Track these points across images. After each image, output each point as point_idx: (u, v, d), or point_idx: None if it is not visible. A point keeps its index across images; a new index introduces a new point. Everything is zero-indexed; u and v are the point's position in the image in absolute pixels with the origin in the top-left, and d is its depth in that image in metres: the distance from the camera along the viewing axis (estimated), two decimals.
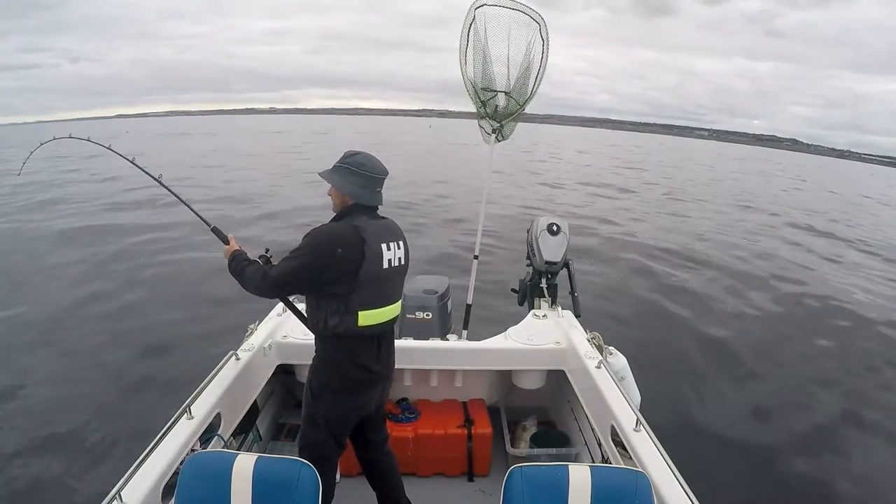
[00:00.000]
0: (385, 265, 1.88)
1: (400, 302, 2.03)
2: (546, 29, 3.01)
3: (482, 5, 2.96)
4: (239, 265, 1.97)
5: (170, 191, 2.40)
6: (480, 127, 3.30)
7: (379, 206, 1.96)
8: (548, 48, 3.03)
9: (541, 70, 3.08)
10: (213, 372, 2.23)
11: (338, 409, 1.95)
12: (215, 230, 2.25)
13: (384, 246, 1.88)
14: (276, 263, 1.99)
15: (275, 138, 47.13)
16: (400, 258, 1.96)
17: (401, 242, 1.97)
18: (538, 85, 3.12)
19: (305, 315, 1.99)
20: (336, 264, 1.78)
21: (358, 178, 1.88)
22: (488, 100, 3.19)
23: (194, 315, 5.83)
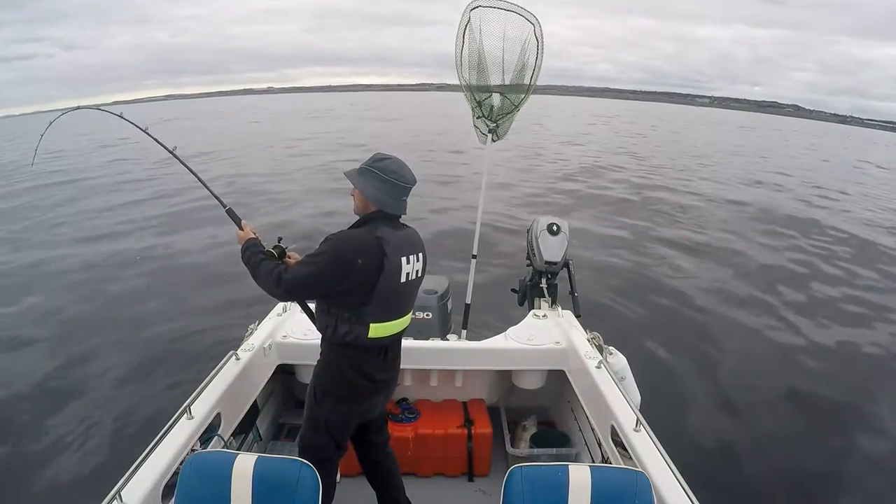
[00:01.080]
0: (403, 279, 1.81)
1: (411, 313, 1.97)
2: (540, 29, 3.02)
3: (477, 7, 2.98)
4: (254, 257, 1.87)
5: (185, 165, 2.28)
6: (476, 127, 3.30)
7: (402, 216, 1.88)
8: (542, 48, 3.05)
9: (535, 70, 3.10)
10: (213, 372, 2.23)
11: (340, 414, 1.93)
12: (230, 212, 2.15)
13: (404, 259, 1.80)
14: (291, 259, 1.96)
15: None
16: (417, 271, 1.89)
17: (420, 255, 1.90)
18: (533, 85, 3.15)
19: (315, 315, 1.93)
20: (354, 275, 1.71)
21: (384, 185, 1.78)
22: (483, 100, 3.22)
23: (194, 315, 5.81)
